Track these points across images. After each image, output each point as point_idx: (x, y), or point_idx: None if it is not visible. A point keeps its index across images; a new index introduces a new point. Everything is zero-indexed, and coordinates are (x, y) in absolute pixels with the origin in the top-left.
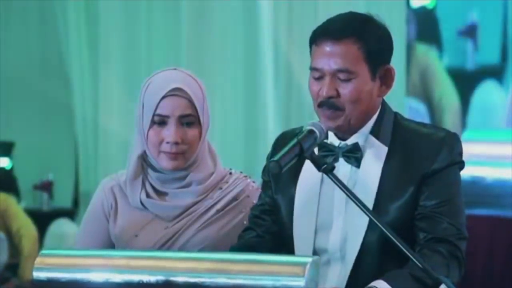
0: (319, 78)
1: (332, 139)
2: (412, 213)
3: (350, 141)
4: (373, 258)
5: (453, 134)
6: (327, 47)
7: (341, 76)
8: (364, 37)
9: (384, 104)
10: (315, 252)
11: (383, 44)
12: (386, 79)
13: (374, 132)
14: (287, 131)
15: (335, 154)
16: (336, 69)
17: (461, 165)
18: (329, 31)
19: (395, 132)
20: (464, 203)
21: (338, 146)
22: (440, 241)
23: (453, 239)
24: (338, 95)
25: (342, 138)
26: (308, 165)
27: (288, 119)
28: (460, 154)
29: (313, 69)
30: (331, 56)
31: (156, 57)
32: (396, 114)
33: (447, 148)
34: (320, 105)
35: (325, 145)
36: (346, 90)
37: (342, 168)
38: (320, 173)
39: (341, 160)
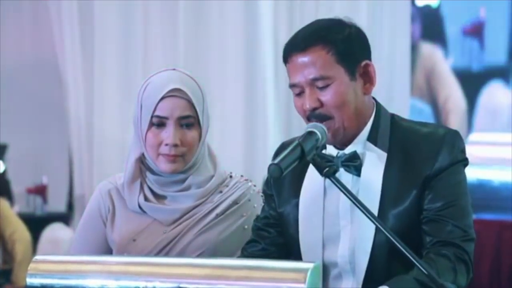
0: (300, 94)
1: (330, 150)
2: (418, 216)
3: (348, 150)
4: (383, 266)
5: (454, 131)
6: (298, 60)
7: (319, 84)
8: (330, 40)
9: (378, 108)
10: (324, 266)
11: (353, 42)
12: (368, 76)
13: (372, 138)
14: (287, 140)
15: (334, 164)
16: (311, 79)
17: (464, 162)
18: (295, 44)
19: (393, 135)
20: (470, 202)
21: (337, 156)
22: (445, 245)
23: (459, 241)
24: (321, 104)
25: (340, 148)
26: (309, 177)
27: (288, 120)
28: (463, 151)
29: (291, 86)
30: (303, 68)
31: (153, 58)
32: (393, 115)
33: (447, 147)
34: (309, 118)
35: (323, 156)
36: (327, 97)
37: (344, 178)
38: (322, 184)
39: (342, 170)
